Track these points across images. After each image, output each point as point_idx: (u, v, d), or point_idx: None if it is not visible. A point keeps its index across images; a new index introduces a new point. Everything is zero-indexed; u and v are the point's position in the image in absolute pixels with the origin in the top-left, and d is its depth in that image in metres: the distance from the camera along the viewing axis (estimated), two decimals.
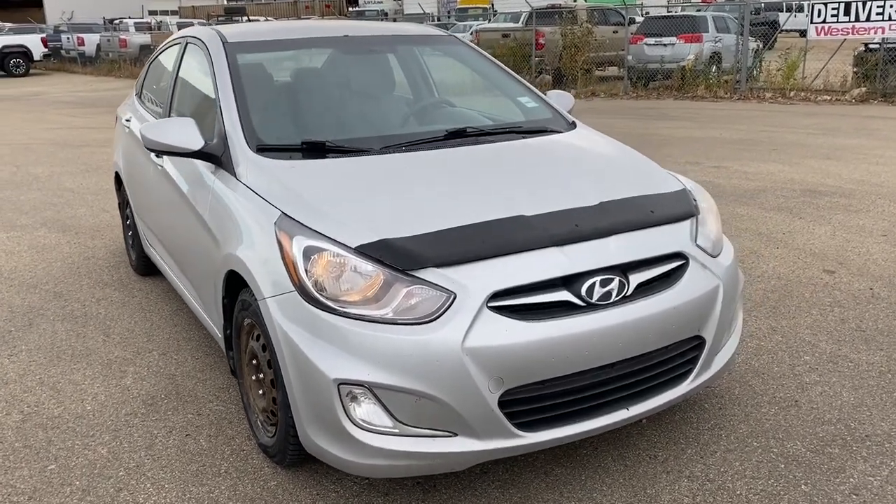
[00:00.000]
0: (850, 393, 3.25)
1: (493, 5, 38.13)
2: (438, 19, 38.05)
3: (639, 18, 21.35)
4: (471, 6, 38.72)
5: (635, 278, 2.56)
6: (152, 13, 45.71)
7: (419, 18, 36.71)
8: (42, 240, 6.03)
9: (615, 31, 18.13)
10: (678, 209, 2.84)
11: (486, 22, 28.97)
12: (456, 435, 2.35)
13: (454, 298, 2.32)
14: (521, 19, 20.77)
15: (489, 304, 2.34)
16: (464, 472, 2.74)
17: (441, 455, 2.34)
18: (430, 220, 2.50)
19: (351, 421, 2.33)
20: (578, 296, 2.44)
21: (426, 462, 2.35)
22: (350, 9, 42.65)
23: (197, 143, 3.08)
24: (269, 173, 2.84)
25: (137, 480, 2.77)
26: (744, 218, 6.13)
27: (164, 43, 4.60)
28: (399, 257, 2.36)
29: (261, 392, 2.81)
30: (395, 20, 37.64)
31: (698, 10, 21.17)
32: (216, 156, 3.08)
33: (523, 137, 3.35)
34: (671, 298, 2.58)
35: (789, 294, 4.43)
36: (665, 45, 16.48)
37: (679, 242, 2.72)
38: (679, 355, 2.68)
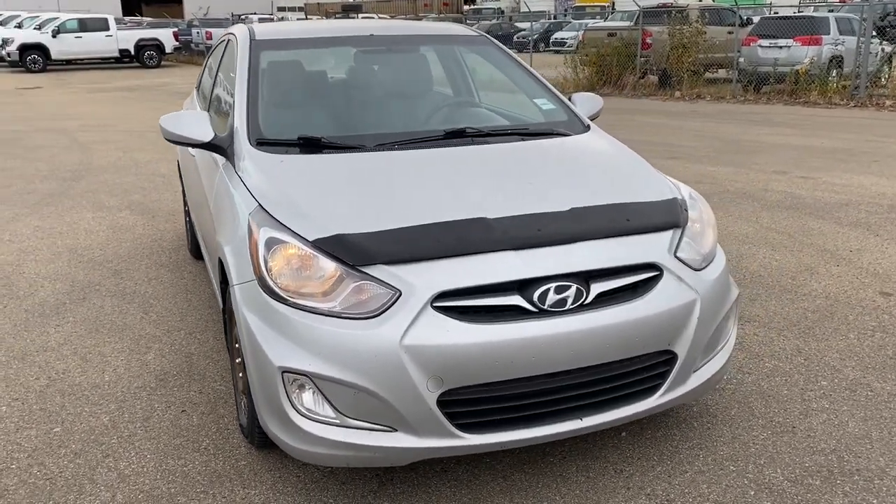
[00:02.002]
0: (857, 424, 3.05)
1: (613, 3, 37.45)
2: (554, 17, 37.77)
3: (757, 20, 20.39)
4: (588, 4, 38.15)
5: (598, 287, 2.51)
6: (280, 9, 47.68)
7: (536, 16, 36.56)
8: (122, 221, 6.47)
9: (730, 32, 17.42)
10: (659, 219, 2.75)
11: (602, 20, 28.51)
12: (395, 430, 2.39)
13: (399, 296, 2.36)
14: (634, 18, 20.30)
15: (435, 304, 2.36)
16: (422, 466, 2.78)
17: (380, 449, 2.39)
18: (390, 217, 2.54)
19: (294, 408, 2.41)
20: (531, 301, 2.42)
21: (365, 454, 2.40)
22: (466, 6, 42.98)
23: (207, 135, 3.24)
24: (260, 167, 2.96)
25: (125, 449, 2.96)
26: (813, 232, 5.80)
27: (217, 39, 4.85)
28: (350, 253, 2.42)
29: (240, 374, 2.94)
30: (510, 18, 37.69)
31: (830, 11, 20.04)
32: (224, 148, 3.23)
33: (525, 139, 3.32)
34: (636, 310, 2.51)
35: (831, 315, 4.17)
36: (780, 47, 15.69)
37: (653, 253, 2.64)
38: (645, 368, 2.60)
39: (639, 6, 18.06)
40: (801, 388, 3.35)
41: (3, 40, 25.72)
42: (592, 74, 17.65)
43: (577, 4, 40.14)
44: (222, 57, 4.23)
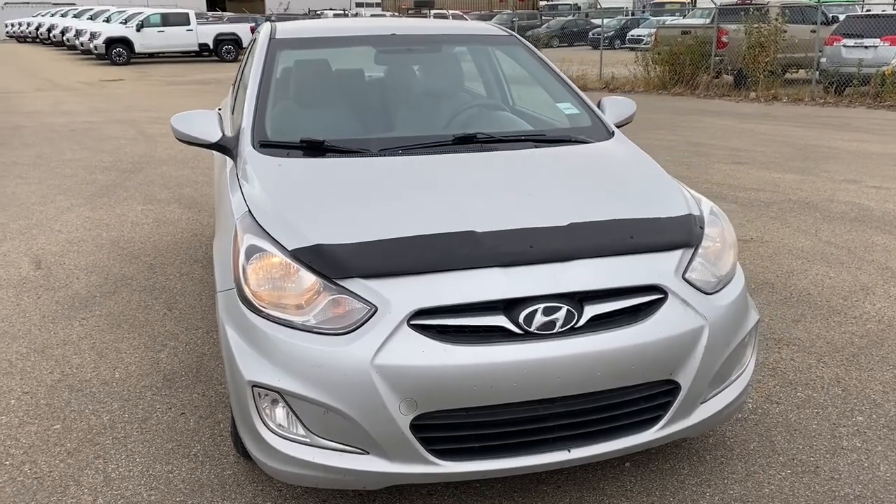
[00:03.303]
0: (890, 467, 2.78)
1: (694, 1, 36.38)
2: (633, 14, 36.95)
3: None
4: (668, 1, 37.16)
5: (592, 310, 2.33)
6: (359, 5, 48.19)
7: (613, 13, 35.84)
8: (169, 214, 6.57)
9: (813, 31, 16.61)
10: (668, 237, 2.54)
11: (681, 18, 27.71)
12: (367, 453, 2.28)
13: (374, 312, 2.24)
14: (711, 16, 19.62)
15: (412, 322, 2.23)
16: (406, 489, 2.66)
17: (350, 472, 2.28)
18: (376, 228, 2.43)
19: (265, 424, 2.33)
20: (516, 323, 2.26)
21: (335, 476, 2.30)
22: (543, 2, 42.48)
23: (215, 135, 3.20)
24: (258, 170, 2.89)
25: (117, 451, 2.95)
26: (876, 248, 5.40)
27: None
28: (327, 264, 2.32)
29: None
30: (587, 15, 37.05)
31: None
32: (230, 149, 3.18)
33: (539, 146, 3.16)
34: (634, 336, 2.33)
35: (881, 342, 3.85)
36: (866, 47, 14.86)
37: (658, 274, 2.44)
38: (644, 399, 2.41)
39: (715, 3, 17.42)
40: (832, 422, 3.08)
41: (91, 34, 26.77)
42: (665, 73, 17.12)
43: (656, 1, 39.17)
44: (247, 56, 4.19)
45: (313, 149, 3.02)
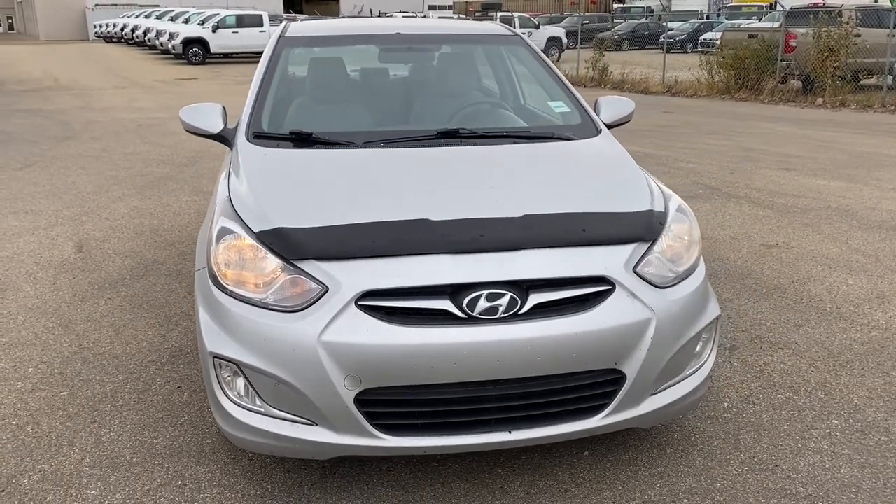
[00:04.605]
0: (851, 470, 2.76)
1: (773, 4, 35.37)
2: (707, 17, 36.19)
3: None
4: (745, 3, 36.22)
5: (537, 298, 2.42)
6: (431, 8, 48.60)
7: (686, 16, 35.20)
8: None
9: (890, 35, 15.97)
10: (621, 231, 2.60)
11: (757, 21, 27.02)
12: (316, 424, 2.42)
13: (325, 292, 2.38)
14: (781, 19, 19.10)
15: (360, 303, 2.36)
16: (368, 463, 2.79)
17: (300, 441, 2.43)
18: (335, 214, 2.57)
19: (224, 394, 2.50)
20: (460, 307, 2.37)
21: (287, 445, 2.45)
22: (616, 5, 42.00)
23: (217, 126, 3.41)
24: (246, 159, 3.07)
25: (112, 417, 3.17)
26: None
27: None
28: (286, 246, 2.47)
29: None
30: (659, 17, 36.46)
31: None
32: (229, 140, 3.38)
33: (519, 142, 3.24)
34: (576, 324, 2.40)
35: (881, 350, 3.78)
36: None
37: (607, 266, 2.50)
38: (588, 386, 2.48)
39: (782, 6, 16.95)
40: (806, 424, 3.07)
41: (169, 34, 27.90)
42: (729, 78, 16.77)
43: (732, 4, 38.22)
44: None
45: (302, 140, 3.18)
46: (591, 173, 3.06)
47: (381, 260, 2.43)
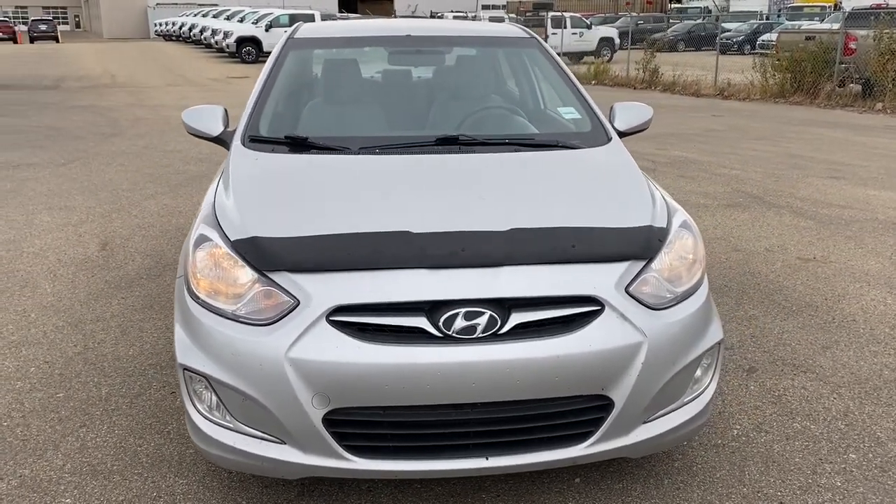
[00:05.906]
0: None
1: (836, 5, 34.24)
2: (767, 17, 35.22)
3: None
4: (807, 4, 35.12)
5: (519, 317, 2.28)
6: (485, 7, 48.47)
7: (745, 17, 34.34)
8: None
9: None
10: (614, 248, 2.44)
11: (819, 22, 26.16)
12: (284, 443, 2.33)
13: (296, 306, 2.29)
14: (841, 20, 18.41)
15: (332, 318, 2.26)
16: (347, 483, 2.69)
17: (268, 460, 2.34)
18: (314, 224, 2.48)
19: (195, 407, 2.43)
20: (436, 325, 2.25)
21: (254, 462, 2.36)
22: (672, 5, 41.18)
23: (217, 129, 3.36)
24: (235, 163, 3.00)
25: (101, 421, 3.14)
26: None
27: None
28: (258, 257, 2.38)
29: None
30: (717, 18, 35.59)
31: None
32: (227, 143, 3.32)
33: (521, 150, 3.10)
34: (559, 346, 2.26)
35: None
36: None
37: (596, 286, 2.35)
38: (573, 412, 2.34)
39: (842, 7, 16.31)
40: (820, 457, 2.86)
41: (224, 33, 28.37)
42: (784, 81, 16.21)
43: (794, 4, 37.08)
44: None
45: (297, 145, 3.10)
46: (591, 185, 2.91)
47: (356, 273, 2.32)
